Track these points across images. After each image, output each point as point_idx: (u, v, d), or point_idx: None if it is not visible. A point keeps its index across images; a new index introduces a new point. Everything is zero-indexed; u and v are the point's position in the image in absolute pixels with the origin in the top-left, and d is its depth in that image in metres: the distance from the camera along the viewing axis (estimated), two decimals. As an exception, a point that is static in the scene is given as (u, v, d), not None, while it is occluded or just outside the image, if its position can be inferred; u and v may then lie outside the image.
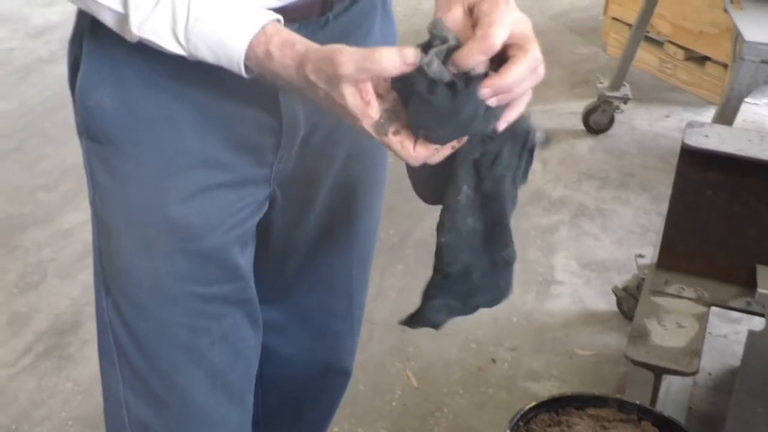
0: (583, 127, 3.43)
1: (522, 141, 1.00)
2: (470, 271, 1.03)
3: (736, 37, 2.30)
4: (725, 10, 2.32)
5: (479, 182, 0.99)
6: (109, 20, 1.01)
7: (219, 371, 1.27)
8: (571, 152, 3.32)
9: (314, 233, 1.35)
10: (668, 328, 1.95)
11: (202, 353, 1.25)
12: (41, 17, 4.04)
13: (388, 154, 1.31)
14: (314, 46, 0.93)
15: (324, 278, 1.43)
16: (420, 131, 0.91)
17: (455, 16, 0.93)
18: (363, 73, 0.89)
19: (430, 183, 1.03)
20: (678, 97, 3.71)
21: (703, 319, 1.95)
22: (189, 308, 1.22)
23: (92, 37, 1.12)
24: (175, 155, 1.15)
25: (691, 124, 2.01)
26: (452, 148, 0.94)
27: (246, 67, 0.97)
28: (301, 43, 0.94)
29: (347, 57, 0.89)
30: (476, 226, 1.01)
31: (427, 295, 1.05)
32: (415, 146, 0.92)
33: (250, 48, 0.96)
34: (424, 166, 0.95)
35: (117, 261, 1.21)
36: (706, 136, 1.94)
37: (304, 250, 1.37)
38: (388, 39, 1.26)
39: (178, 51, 0.99)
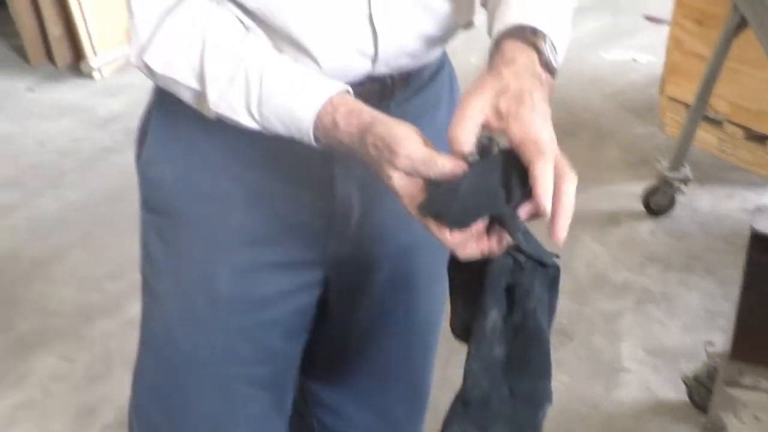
0: (643, 209, 3.41)
1: (551, 276, 1.00)
2: (490, 400, 1.01)
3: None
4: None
5: (509, 313, 0.98)
6: (187, 97, 1.04)
7: None
8: (632, 235, 3.29)
9: (372, 319, 1.36)
10: (745, 422, 1.92)
11: (223, 429, 1.24)
12: (105, 108, 4.13)
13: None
14: (381, 117, 0.95)
15: (383, 364, 1.44)
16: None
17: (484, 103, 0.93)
18: (416, 172, 0.90)
19: (462, 314, 1.02)
20: (740, 176, 3.67)
21: (781, 412, 1.92)
22: (218, 385, 1.26)
23: (160, 114, 1.20)
24: (227, 232, 1.19)
25: (759, 209, 2.00)
26: (482, 253, 0.93)
27: (315, 138, 0.99)
28: (368, 113, 0.96)
29: (406, 152, 0.90)
30: (502, 356, 0.99)
31: (446, 422, 1.03)
32: (450, 231, 0.91)
33: (318, 118, 0.97)
34: (458, 296, 0.96)
35: (159, 327, 1.26)
36: (776, 223, 1.93)
37: (363, 335, 1.38)
38: None
39: (252, 125, 1.02)
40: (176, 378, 1.27)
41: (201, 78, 1.02)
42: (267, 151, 1.13)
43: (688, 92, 3.77)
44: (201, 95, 1.03)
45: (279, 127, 1.01)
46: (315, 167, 1.14)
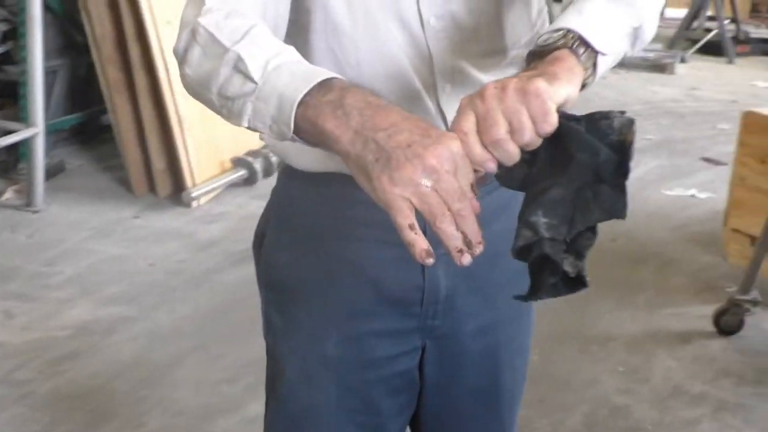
0: (713, 329, 3.64)
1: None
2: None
3: None
4: None
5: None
6: (221, 72, 1.13)
7: None
8: (704, 352, 3.52)
9: (462, 388, 1.53)
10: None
11: None
12: (205, 233, 4.48)
13: (533, 322, 1.58)
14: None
15: (478, 430, 1.60)
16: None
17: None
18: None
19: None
20: (803, 303, 3.90)
21: None
22: (334, 430, 1.47)
23: (277, 212, 1.47)
24: (334, 304, 1.42)
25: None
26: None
27: (298, 115, 1.07)
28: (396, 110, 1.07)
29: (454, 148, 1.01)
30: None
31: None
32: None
33: (320, 87, 1.06)
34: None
35: (281, 386, 1.48)
36: None
37: (457, 402, 1.55)
38: None
39: (250, 86, 1.10)
40: (295, 425, 1.50)
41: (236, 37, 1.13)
42: (367, 235, 1.38)
43: (752, 225, 4.04)
44: (233, 56, 1.12)
45: (271, 96, 1.08)
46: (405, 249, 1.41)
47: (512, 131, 1.00)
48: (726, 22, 9.38)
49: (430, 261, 1.00)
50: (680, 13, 9.79)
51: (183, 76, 1.19)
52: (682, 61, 8.94)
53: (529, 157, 1.04)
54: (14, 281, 3.93)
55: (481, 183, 1.03)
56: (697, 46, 9.39)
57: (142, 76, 4.69)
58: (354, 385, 1.45)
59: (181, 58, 1.18)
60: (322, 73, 1.07)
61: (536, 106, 0.99)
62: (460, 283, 1.43)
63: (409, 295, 1.42)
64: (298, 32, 1.32)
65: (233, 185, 5.02)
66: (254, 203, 4.90)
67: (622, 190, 1.02)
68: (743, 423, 3.06)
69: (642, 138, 6.42)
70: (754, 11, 11.49)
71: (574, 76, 1.07)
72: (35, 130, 4.58)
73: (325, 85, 1.05)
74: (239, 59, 1.09)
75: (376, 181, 0.99)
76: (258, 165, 5.04)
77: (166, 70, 4.59)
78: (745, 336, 3.63)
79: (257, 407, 3.04)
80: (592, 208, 1.03)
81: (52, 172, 4.96)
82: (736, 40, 9.51)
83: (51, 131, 5.01)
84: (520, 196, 1.19)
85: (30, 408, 3.02)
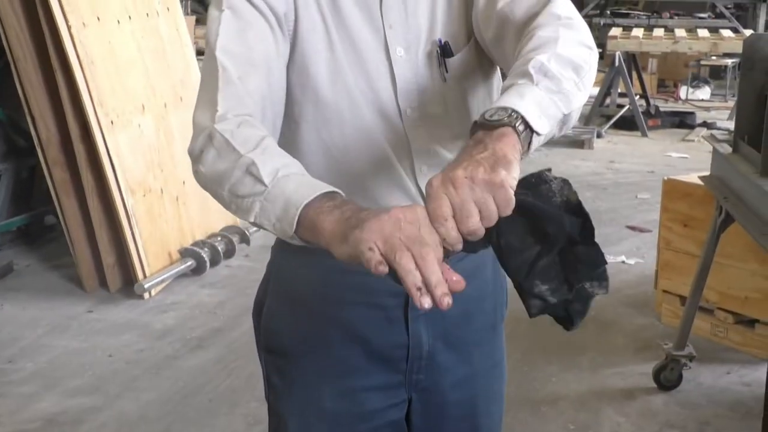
0: (654, 385, 3.86)
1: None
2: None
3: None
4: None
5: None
6: (233, 175, 1.31)
7: None
8: (648, 406, 3.73)
9: None
10: None
11: None
12: (160, 323, 4.59)
13: (505, 373, 1.76)
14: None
15: None
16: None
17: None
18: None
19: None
20: (734, 356, 4.15)
21: None
22: None
23: (275, 285, 1.65)
24: (328, 364, 1.61)
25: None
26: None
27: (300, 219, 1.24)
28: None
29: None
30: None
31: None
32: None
33: (319, 199, 1.24)
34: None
35: None
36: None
37: None
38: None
39: (259, 188, 1.28)
40: None
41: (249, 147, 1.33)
42: (357, 299, 1.57)
43: (681, 285, 4.32)
44: (246, 161, 1.30)
45: (278, 199, 1.26)
46: (394, 311, 1.58)
47: (482, 218, 1.15)
48: (636, 97, 9.85)
49: (427, 304, 1.13)
50: (593, 91, 10.24)
51: (197, 173, 1.39)
52: (599, 136, 9.35)
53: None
54: (-22, 380, 3.99)
55: (453, 253, 1.19)
56: (612, 121, 9.83)
57: (89, 175, 4.81)
58: None
59: (196, 157, 1.37)
60: (324, 187, 1.25)
61: (501, 195, 1.14)
62: (439, 340, 1.63)
63: (396, 352, 1.60)
64: (289, 123, 1.52)
65: (182, 276, 5.15)
66: (204, 292, 5.05)
67: (594, 244, 1.22)
68: (690, 470, 3.27)
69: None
70: (661, 86, 12.05)
71: (517, 153, 1.20)
72: (-15, 232, 4.67)
73: (329, 195, 1.23)
74: (252, 164, 1.29)
75: (350, 237, 1.15)
76: (205, 254, 5.19)
77: (112, 167, 4.72)
78: (684, 389, 3.86)
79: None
80: (579, 267, 1.22)
81: (0, 274, 5.03)
82: (648, 114, 9.98)
83: (-2, 233, 5.10)
84: (488, 263, 1.50)
85: (9, 499, 3.10)
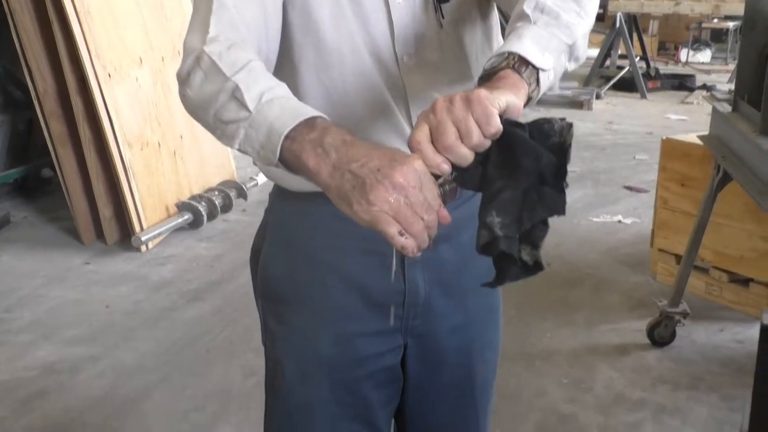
0: (648, 341, 3.89)
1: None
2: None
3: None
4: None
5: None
6: (219, 98, 1.30)
7: None
8: (641, 362, 3.76)
9: (440, 381, 1.72)
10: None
11: None
12: (157, 275, 4.61)
13: (501, 321, 1.78)
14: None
15: (452, 420, 1.77)
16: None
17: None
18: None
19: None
20: (728, 314, 4.16)
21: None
22: (327, 421, 1.64)
23: (272, 232, 1.65)
24: (326, 310, 1.61)
25: (766, 311, 2.46)
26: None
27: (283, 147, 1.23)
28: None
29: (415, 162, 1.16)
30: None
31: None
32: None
33: (306, 124, 1.23)
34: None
35: (280, 384, 1.65)
36: (781, 318, 2.40)
37: (437, 394, 1.73)
38: None
39: (243, 114, 1.27)
40: (294, 419, 1.66)
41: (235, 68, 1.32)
42: (354, 247, 1.57)
43: (677, 244, 4.33)
44: (231, 85, 1.27)
45: (262, 125, 1.24)
46: (391, 259, 1.59)
47: (461, 136, 1.15)
48: (636, 59, 9.82)
49: (419, 253, 1.16)
50: (593, 52, 10.20)
51: (183, 97, 1.36)
52: (598, 97, 9.33)
53: (482, 158, 1.18)
54: (-24, 328, 4.02)
55: (451, 197, 1.21)
56: (611, 83, 9.81)
57: (86, 127, 4.82)
58: (345, 380, 1.62)
59: (184, 80, 1.34)
60: (308, 111, 1.23)
61: (479, 110, 1.14)
62: (436, 287, 1.63)
63: (392, 298, 1.60)
64: (289, 65, 1.51)
65: (179, 229, 5.16)
66: (201, 245, 5.06)
67: (561, 190, 1.20)
68: (682, 424, 3.29)
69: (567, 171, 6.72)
70: (662, 49, 12.01)
71: (517, 89, 1.22)
72: (-18, 183, 4.69)
73: (309, 122, 1.21)
74: (237, 89, 1.26)
75: (357, 206, 1.15)
76: (203, 208, 5.19)
77: (110, 120, 4.72)
78: (677, 346, 3.88)
79: (225, 430, 3.21)
80: (537, 208, 1.20)
81: (-2, 225, 5.06)
82: (648, 76, 9.96)
83: (-5, 185, 5.11)
84: (472, 221, 1.37)
85: (7, 444, 3.13)
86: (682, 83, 10.05)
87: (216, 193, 5.43)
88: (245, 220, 5.40)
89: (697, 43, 11.73)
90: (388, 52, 1.50)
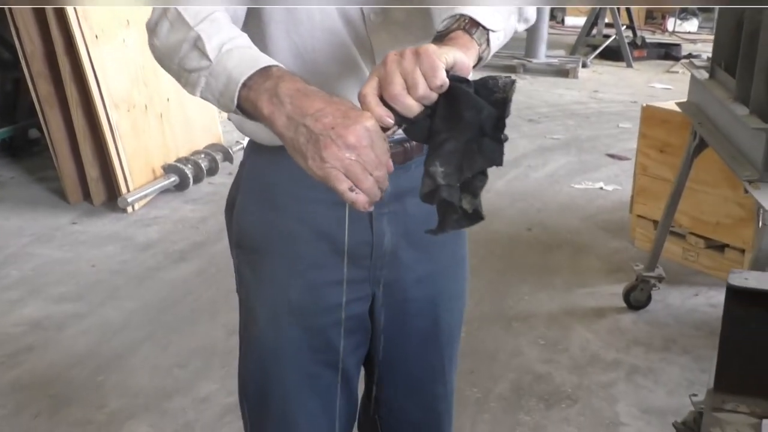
0: (624, 305, 3.98)
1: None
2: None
3: (759, 209, 2.87)
4: (745, 191, 2.90)
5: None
6: (183, 45, 1.37)
7: (312, 415, 1.74)
8: (617, 324, 3.85)
9: (407, 330, 1.79)
10: (730, 433, 2.42)
11: (301, 401, 1.73)
12: (144, 236, 4.68)
13: (467, 271, 1.84)
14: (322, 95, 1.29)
15: (421, 367, 1.85)
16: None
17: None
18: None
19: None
20: (703, 279, 4.26)
21: (758, 428, 2.42)
22: (298, 366, 1.71)
23: (246, 184, 1.70)
24: (296, 260, 1.66)
25: (733, 271, 2.54)
26: None
27: (243, 88, 1.30)
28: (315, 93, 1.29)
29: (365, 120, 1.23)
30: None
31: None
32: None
33: (262, 73, 1.30)
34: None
35: (253, 330, 1.73)
36: (746, 279, 2.48)
37: (404, 342, 1.80)
38: None
39: (204, 62, 1.34)
40: (266, 363, 1.73)
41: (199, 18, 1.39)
42: (321, 198, 1.60)
43: (655, 210, 4.41)
44: (194, 35, 1.34)
45: (221, 75, 1.32)
46: (358, 210, 1.67)
47: (408, 87, 1.21)
48: (623, 28, 9.87)
49: (371, 207, 1.25)
50: (580, 21, 10.25)
51: (152, 46, 1.43)
52: (584, 66, 9.38)
53: (429, 112, 1.24)
54: (-37, 285, 4.08)
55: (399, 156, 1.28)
56: (597, 51, 9.86)
57: (73, 89, 4.86)
58: (315, 326, 1.69)
59: (152, 30, 1.42)
60: (264, 61, 1.30)
61: (426, 63, 1.20)
62: (401, 239, 1.69)
63: (360, 249, 1.66)
64: (258, 23, 1.56)
65: (165, 191, 5.22)
66: (187, 207, 5.12)
67: (500, 142, 1.27)
68: (653, 384, 3.38)
69: (550, 137, 6.80)
70: (650, 18, 12.05)
71: (467, 49, 1.28)
72: (-29, 142, 4.73)
73: (265, 71, 1.28)
74: (198, 38, 1.34)
75: (311, 161, 1.23)
76: (188, 171, 5.25)
77: (97, 81, 4.76)
78: (652, 310, 3.97)
79: (208, 387, 3.30)
80: (477, 158, 1.28)
81: (-15, 185, 5.11)
82: (634, 45, 10.01)
83: (-18, 145, 5.15)
84: None
85: (-6, 396, 3.20)
86: (668, 52, 10.11)
87: (202, 156, 5.48)
88: (231, 182, 5.45)
89: (684, 13, 11.78)
90: (355, 10, 1.55)
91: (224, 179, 5.54)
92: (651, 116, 4.55)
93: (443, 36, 1.33)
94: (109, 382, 3.31)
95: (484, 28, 1.34)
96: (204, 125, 5.74)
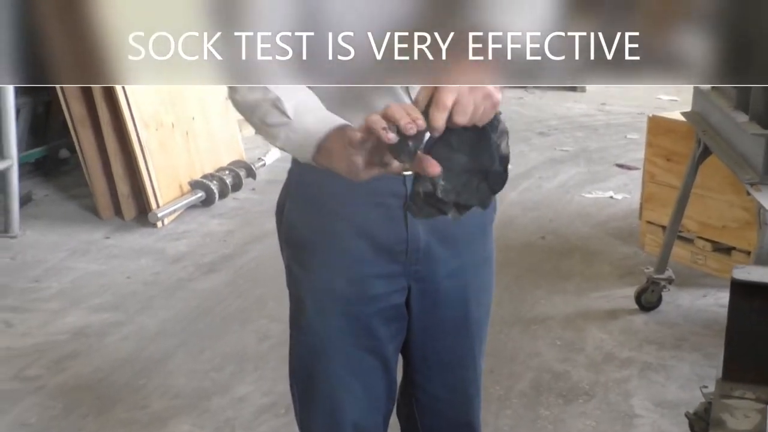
0: (636, 307, 4.17)
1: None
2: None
3: (759, 209, 3.07)
4: (748, 194, 3.09)
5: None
6: (263, 105, 1.63)
7: (355, 396, 1.94)
8: (629, 325, 4.03)
9: (440, 319, 1.98)
10: (738, 418, 2.60)
11: (346, 383, 1.93)
12: (174, 249, 4.90)
13: (494, 268, 2.04)
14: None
15: (452, 353, 2.03)
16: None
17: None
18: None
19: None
20: (711, 281, 4.43)
21: (764, 412, 2.60)
22: (343, 351, 1.91)
23: (294, 190, 1.92)
24: (340, 255, 1.87)
25: (737, 267, 2.72)
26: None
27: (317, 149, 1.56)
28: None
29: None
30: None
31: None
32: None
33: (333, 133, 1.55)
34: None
35: (302, 320, 1.95)
36: (749, 273, 2.66)
37: (437, 330, 2.00)
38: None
39: (283, 119, 1.60)
40: (314, 349, 1.94)
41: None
42: (363, 200, 1.83)
43: (663, 216, 4.59)
44: (273, 96, 1.59)
45: (300, 131, 1.57)
46: (395, 210, 1.85)
47: (456, 111, 1.39)
48: (630, 42, 10.06)
49: (393, 136, 1.39)
50: (588, 36, 10.41)
51: (232, 100, 1.69)
52: (592, 79, 9.57)
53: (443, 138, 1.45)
54: (7, 297, 4.29)
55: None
56: (605, 65, 10.04)
57: (105, 109, 5.08)
58: (358, 315, 1.90)
59: (232, 87, 1.67)
60: (337, 120, 1.55)
61: (491, 107, 1.43)
62: (433, 237, 1.90)
63: (397, 246, 1.88)
64: None
65: (192, 206, 5.43)
66: (214, 221, 5.33)
67: (494, 192, 1.53)
68: (666, 379, 3.57)
69: (560, 149, 6.99)
70: (656, 32, 12.22)
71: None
72: (10, 162, 4.96)
73: (338, 129, 1.52)
74: (278, 99, 1.59)
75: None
76: (214, 187, 5.46)
77: (128, 102, 4.99)
78: (663, 310, 4.16)
79: (244, 388, 3.50)
80: (472, 195, 1.51)
81: (21, 202, 5.30)
82: (641, 59, 10.20)
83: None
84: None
85: (44, 398, 3.40)
86: (675, 65, 10.29)
87: (227, 172, 5.69)
88: (254, 198, 5.66)
89: (690, 26, 11.95)
90: None
91: (248, 194, 5.76)
92: (657, 126, 4.75)
93: None
94: (150, 384, 3.51)
95: None
96: (227, 143, 5.96)
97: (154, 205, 5.14)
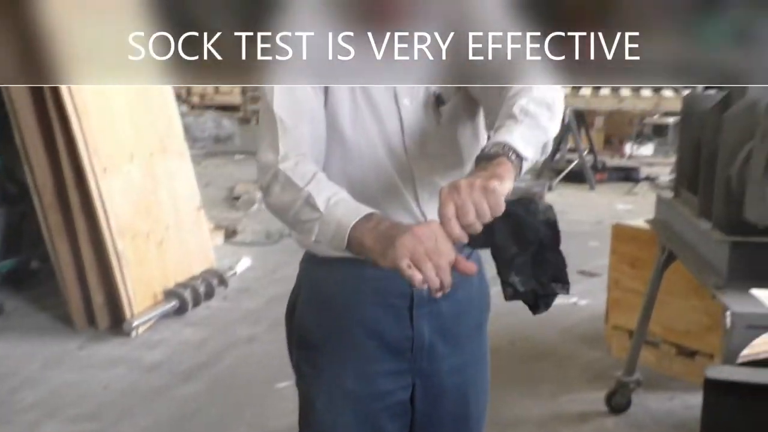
0: (606, 409, 4.27)
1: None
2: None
3: (725, 311, 3.21)
4: (713, 297, 3.23)
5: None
6: (294, 205, 1.79)
7: None
8: (601, 427, 4.14)
9: (443, 415, 2.08)
10: None
11: None
12: (149, 357, 4.94)
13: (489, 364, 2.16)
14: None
15: None
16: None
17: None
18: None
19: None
20: (676, 384, 4.55)
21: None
22: None
23: (304, 293, 2.05)
24: (349, 354, 1.99)
25: (709, 366, 2.86)
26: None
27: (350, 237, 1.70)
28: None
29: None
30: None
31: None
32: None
33: (364, 221, 1.70)
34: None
35: (311, 415, 2.05)
36: (721, 371, 2.80)
37: (438, 426, 2.09)
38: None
39: (315, 215, 1.75)
40: None
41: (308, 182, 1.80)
42: (372, 300, 1.96)
43: (629, 320, 4.73)
44: (305, 194, 1.75)
45: (332, 223, 1.71)
46: (402, 310, 1.97)
47: (477, 215, 1.56)
48: (584, 153, 10.38)
49: (425, 285, 1.58)
50: (544, 146, 10.68)
51: (266, 203, 1.85)
52: (550, 189, 9.83)
53: (485, 228, 1.61)
54: (-18, 409, 4.29)
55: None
56: (561, 175, 10.33)
57: (82, 219, 5.16)
58: (366, 411, 2.00)
59: (265, 191, 1.83)
60: (365, 209, 1.69)
61: (493, 199, 1.56)
62: (437, 334, 2.02)
63: (403, 344, 2.00)
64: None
65: (165, 316, 5.48)
66: (187, 330, 5.39)
67: (559, 253, 1.67)
68: (639, 480, 3.66)
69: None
70: (608, 142, 12.60)
71: (510, 174, 1.62)
72: (-17, 274, 5.01)
73: (367, 217, 1.67)
74: (310, 196, 1.74)
75: (389, 251, 1.60)
76: (188, 295, 5.53)
77: (105, 213, 5.07)
78: (633, 413, 4.27)
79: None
80: (546, 268, 1.66)
81: (-8, 314, 5.34)
82: (595, 168, 10.51)
83: (-13, 276, 5.42)
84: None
85: None
86: (628, 175, 10.60)
87: (199, 281, 5.76)
88: (227, 306, 5.73)
89: (641, 137, 12.32)
90: (398, 144, 1.93)
91: (220, 303, 5.82)
92: (621, 233, 4.93)
93: (489, 158, 1.67)
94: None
95: (521, 156, 1.69)
96: (199, 252, 6.04)
97: (128, 315, 5.19)
